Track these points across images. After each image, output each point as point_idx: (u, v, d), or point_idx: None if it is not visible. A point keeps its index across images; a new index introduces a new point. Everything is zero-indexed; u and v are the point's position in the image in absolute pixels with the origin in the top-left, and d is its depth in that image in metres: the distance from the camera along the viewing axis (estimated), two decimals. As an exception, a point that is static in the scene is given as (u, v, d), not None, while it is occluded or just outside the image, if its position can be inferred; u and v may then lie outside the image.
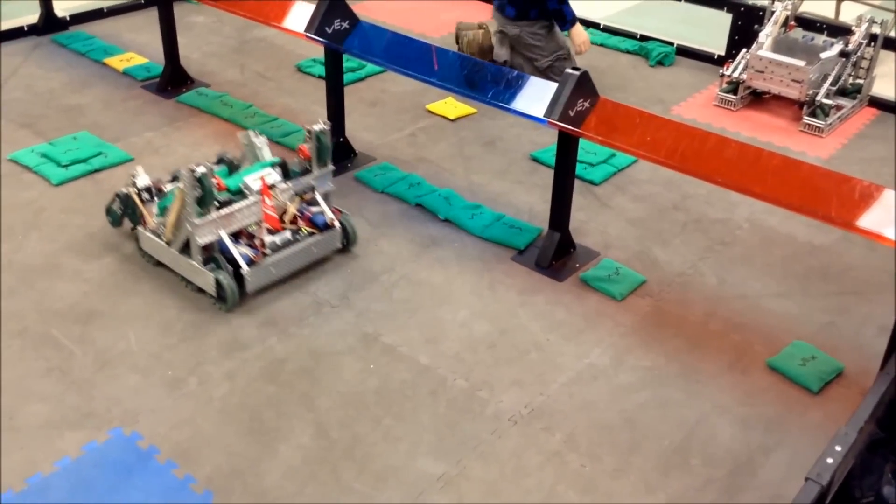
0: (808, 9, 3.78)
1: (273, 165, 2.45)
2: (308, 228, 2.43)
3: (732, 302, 2.41)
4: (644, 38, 4.13)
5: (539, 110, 2.32)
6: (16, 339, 2.16)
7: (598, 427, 1.98)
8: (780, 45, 3.45)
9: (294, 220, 2.43)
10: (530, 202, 2.85)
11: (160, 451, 1.87)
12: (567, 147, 2.37)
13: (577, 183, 2.87)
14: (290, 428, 1.95)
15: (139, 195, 2.42)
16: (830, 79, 3.31)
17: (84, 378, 2.05)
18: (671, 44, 4.05)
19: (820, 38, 3.46)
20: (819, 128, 3.31)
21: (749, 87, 3.49)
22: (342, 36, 2.83)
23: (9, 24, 3.92)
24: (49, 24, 3.93)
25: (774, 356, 2.20)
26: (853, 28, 3.42)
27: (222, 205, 2.28)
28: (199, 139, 3.14)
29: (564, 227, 2.51)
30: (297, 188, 2.44)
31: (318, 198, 2.48)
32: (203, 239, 2.25)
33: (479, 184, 2.96)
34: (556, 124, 2.30)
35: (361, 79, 3.67)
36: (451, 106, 3.45)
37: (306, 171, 2.47)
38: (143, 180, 2.43)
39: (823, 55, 3.31)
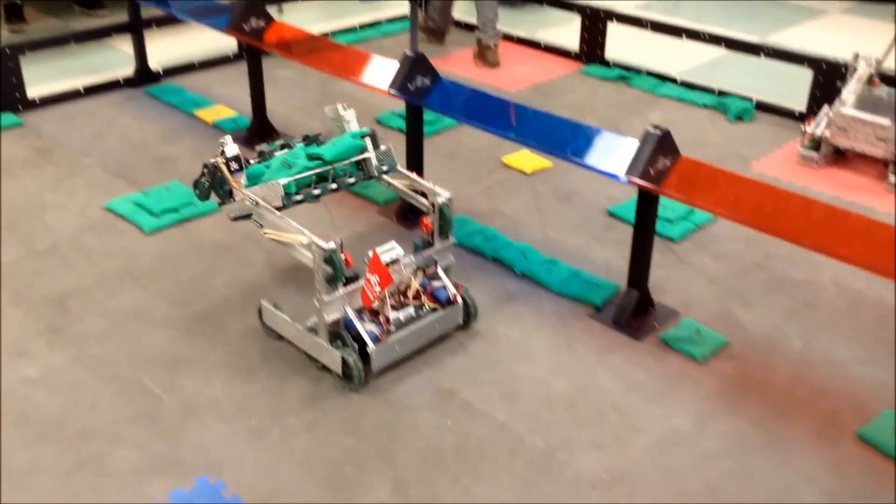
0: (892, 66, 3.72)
1: (363, 136, 2.45)
2: (431, 304, 2.36)
3: (819, 367, 2.35)
4: (722, 93, 4.12)
5: (619, 168, 2.33)
6: (109, 384, 2.24)
7: (682, 495, 1.94)
8: (864, 103, 3.39)
9: (417, 296, 2.36)
10: (607, 258, 2.85)
11: (243, 501, 1.91)
12: (647, 205, 2.37)
13: (655, 239, 2.86)
14: (369, 483, 1.96)
15: (227, 165, 2.37)
16: (920, 137, 3.24)
17: (172, 424, 2.11)
18: (750, 99, 4.03)
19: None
20: (907, 187, 3.23)
21: (832, 145, 3.43)
22: (423, 92, 2.90)
23: (106, 76, 4.14)
24: (143, 76, 4.13)
25: (864, 426, 2.13)
26: (942, 85, 3.34)
27: (349, 280, 2.24)
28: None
29: (643, 284, 2.50)
30: (420, 262, 2.38)
31: (440, 272, 2.42)
32: (330, 316, 2.22)
33: (556, 238, 2.97)
34: (636, 182, 2.30)
35: (438, 131, 3.74)
36: (527, 159, 3.48)
37: (428, 245, 2.42)
38: (232, 149, 2.38)
39: (911, 113, 3.25)
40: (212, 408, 2.17)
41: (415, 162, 3.04)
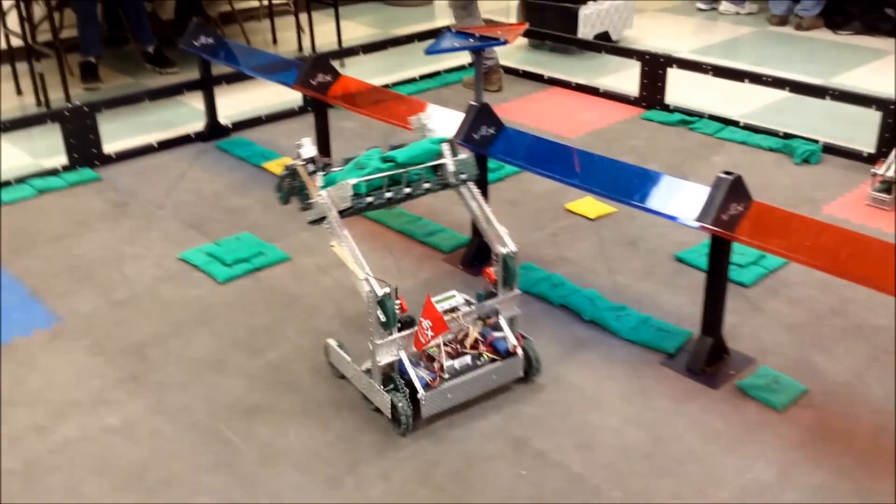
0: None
1: (441, 142, 2.38)
2: (489, 354, 2.34)
3: (904, 416, 2.28)
4: (787, 136, 4.08)
5: (691, 214, 2.32)
6: (187, 432, 2.29)
7: (765, 548, 1.89)
8: (938, 143, 3.32)
9: (475, 345, 2.34)
10: (677, 304, 2.82)
11: (321, 550, 1.92)
12: (720, 251, 2.35)
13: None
14: (445, 533, 1.95)
15: (304, 166, 2.34)
16: None
17: (249, 473, 2.14)
18: (816, 141, 3.98)
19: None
20: None
21: (905, 186, 3.37)
22: (488, 141, 2.94)
23: (178, 131, 4.28)
24: (214, 131, 4.26)
25: (956, 478, 2.05)
26: None
27: (404, 325, 2.25)
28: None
29: (717, 331, 2.46)
30: (481, 312, 2.36)
31: (502, 322, 2.39)
32: (382, 359, 2.24)
33: (624, 284, 2.95)
34: (709, 229, 2.28)
35: (501, 178, 3.77)
36: (590, 205, 3.48)
37: (491, 295, 2.41)
38: (308, 151, 2.35)
39: None
40: (287, 456, 2.19)
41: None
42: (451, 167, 2.38)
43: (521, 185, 3.72)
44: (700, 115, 4.39)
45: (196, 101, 4.45)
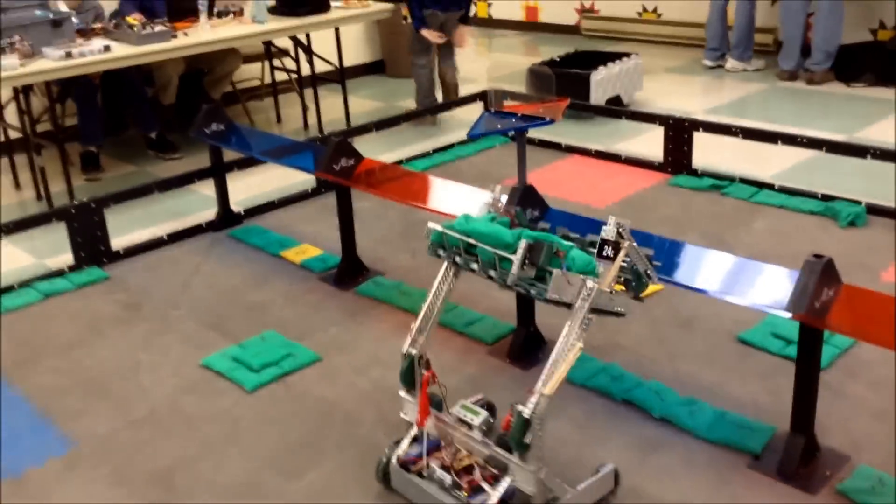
0: None
1: (521, 237, 2.00)
2: (464, 494, 2.01)
3: None
4: (827, 198, 3.90)
5: (781, 303, 2.11)
6: (228, 577, 2.02)
7: None
8: None
9: (461, 473, 2.05)
10: (751, 393, 2.58)
11: None
12: (812, 341, 2.13)
13: (784, 364, 2.63)
14: None
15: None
16: None
17: None
18: (858, 202, 3.80)
19: None
20: None
21: (968, 248, 3.18)
22: (534, 223, 2.74)
23: (188, 221, 4.08)
24: (226, 219, 4.06)
25: None
26: None
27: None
28: (383, 333, 3.06)
29: (810, 428, 2.22)
30: (490, 457, 2.02)
31: (501, 487, 1.98)
32: (406, 414, 2.23)
33: (688, 373, 2.72)
34: (805, 320, 2.07)
35: (535, 258, 3.57)
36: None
37: (506, 447, 1.99)
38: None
39: None
40: None
41: (522, 300, 2.85)
42: (516, 269, 1.97)
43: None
44: (731, 179, 4.22)
45: (204, 188, 4.25)
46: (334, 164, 3.27)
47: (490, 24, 9.23)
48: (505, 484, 1.98)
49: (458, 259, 2.13)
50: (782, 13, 6.20)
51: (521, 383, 2.64)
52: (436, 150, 4.98)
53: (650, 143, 4.60)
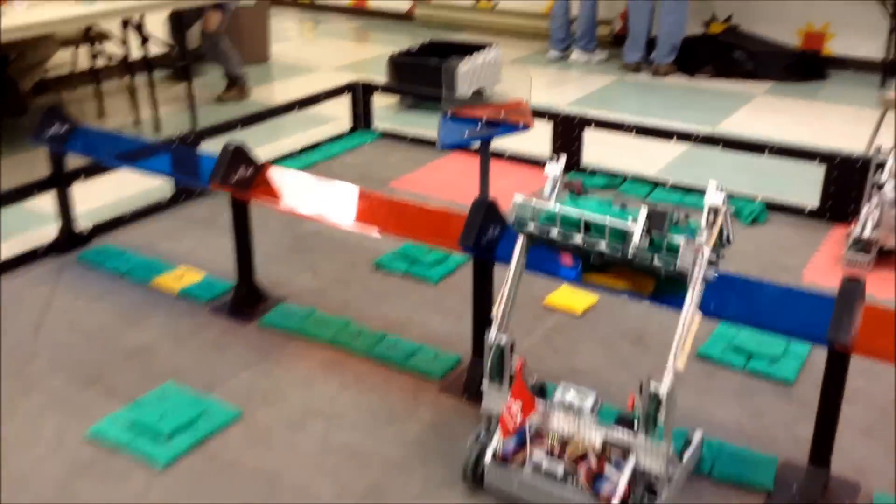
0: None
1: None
2: (585, 483, 1.94)
3: None
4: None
5: (813, 330, 1.93)
6: None
7: None
8: (909, 199, 3.22)
9: (577, 460, 1.96)
10: (735, 419, 2.41)
11: None
12: (841, 370, 1.97)
13: (766, 385, 2.51)
14: None
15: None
16: (982, 231, 3.09)
17: None
18: (754, 199, 3.80)
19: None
20: (975, 286, 3.05)
21: (880, 246, 3.23)
22: (495, 244, 2.40)
23: (20, 244, 3.32)
24: (70, 239, 3.35)
25: None
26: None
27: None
28: (310, 375, 2.60)
29: (827, 460, 2.08)
30: (608, 436, 1.95)
31: (628, 468, 1.91)
32: (488, 404, 2.13)
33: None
34: (842, 347, 1.90)
35: (451, 272, 3.23)
36: (572, 297, 3.02)
37: (629, 425, 1.95)
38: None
39: (968, 207, 3.10)
40: None
41: (480, 322, 2.51)
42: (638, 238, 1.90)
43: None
44: (623, 177, 4.11)
45: (34, 203, 3.47)
46: (231, 173, 2.74)
47: (314, 8, 8.70)
48: (630, 466, 1.91)
49: (553, 234, 2.01)
50: (629, 6, 6.24)
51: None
52: (304, 149, 4.48)
53: (531, 139, 4.39)
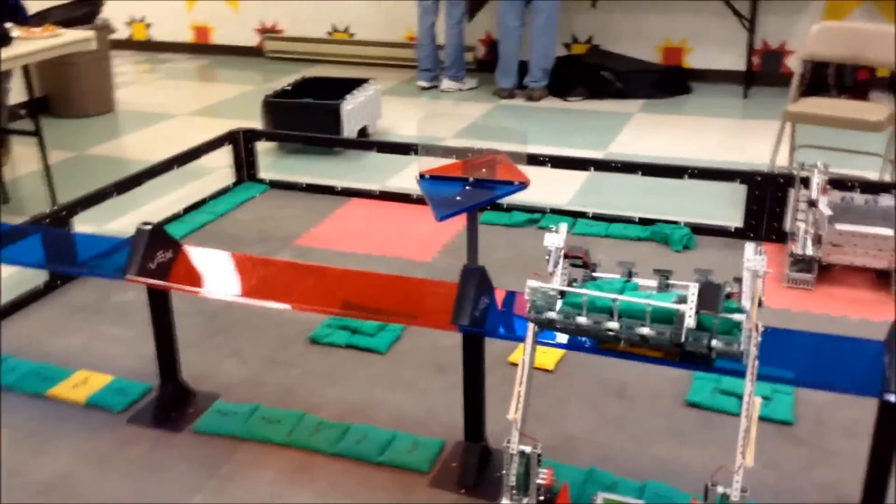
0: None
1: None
2: None
3: None
4: (645, 221, 3.78)
5: (863, 382, 1.79)
6: None
7: None
8: (844, 214, 3.23)
9: None
10: (755, 473, 2.25)
11: None
12: (893, 421, 1.84)
13: (767, 428, 2.39)
14: None
15: None
16: (917, 241, 3.14)
17: None
18: (677, 223, 3.73)
19: (876, 199, 3.30)
20: (917, 294, 3.10)
21: (820, 263, 3.22)
22: (484, 316, 2.13)
23: None
24: (-70, 351, 2.75)
25: None
26: (900, 183, 3.30)
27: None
28: (275, 489, 2.20)
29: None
30: None
31: None
32: None
33: (668, 460, 2.31)
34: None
35: (398, 338, 2.91)
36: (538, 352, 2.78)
37: None
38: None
39: (902, 217, 3.14)
40: None
41: (474, 402, 2.22)
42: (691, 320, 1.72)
43: (432, 341, 2.89)
44: (542, 211, 3.94)
45: None
46: (149, 261, 2.29)
47: (150, 48, 8.06)
48: None
49: (581, 322, 1.79)
50: (498, 32, 6.15)
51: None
52: (188, 210, 3.99)
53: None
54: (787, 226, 3.51)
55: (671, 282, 1.94)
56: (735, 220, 3.70)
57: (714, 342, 1.69)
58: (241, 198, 4.17)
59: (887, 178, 3.94)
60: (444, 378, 2.70)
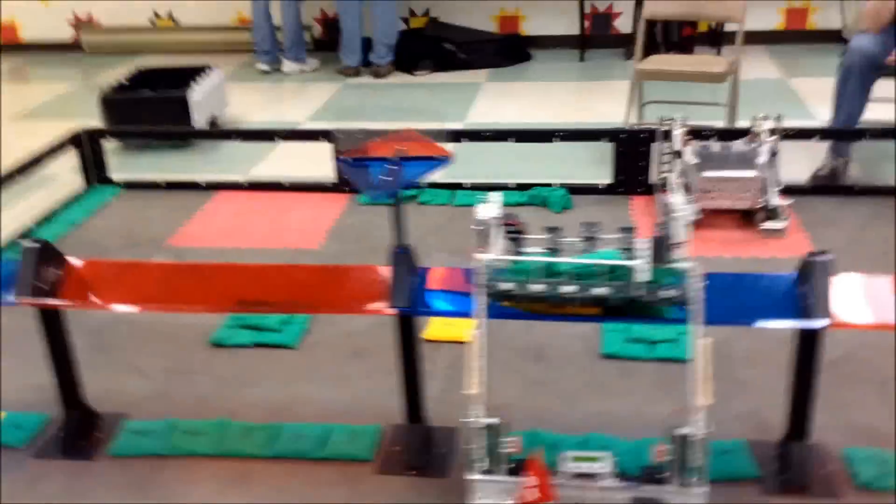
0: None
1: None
2: None
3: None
4: (522, 186, 3.85)
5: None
6: None
7: None
8: (707, 162, 3.43)
9: None
10: (638, 409, 2.37)
11: None
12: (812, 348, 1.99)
13: (675, 367, 2.54)
14: None
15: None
16: (774, 181, 3.38)
17: None
18: (550, 185, 3.83)
19: (730, 145, 3.52)
20: (779, 230, 3.34)
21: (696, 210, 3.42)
22: (415, 297, 2.09)
23: None
24: None
25: None
26: (753, 129, 3.53)
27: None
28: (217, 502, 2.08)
29: (806, 433, 2.10)
30: (637, 493, 1.79)
31: None
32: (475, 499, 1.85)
33: (590, 410, 2.39)
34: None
35: (307, 330, 2.82)
36: (446, 325, 2.77)
37: (653, 475, 1.79)
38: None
39: (759, 160, 3.37)
40: None
41: (412, 384, 2.19)
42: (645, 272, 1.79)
43: (343, 327, 2.81)
44: (416, 187, 3.92)
45: None
46: (41, 280, 2.08)
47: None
48: None
49: (536, 288, 1.82)
50: (339, 9, 6.03)
51: (457, 495, 2.02)
52: (40, 223, 3.65)
53: (290, 163, 4.04)
54: (653, 178, 3.71)
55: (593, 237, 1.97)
56: (603, 177, 3.85)
57: (670, 292, 1.75)
58: (96, 203, 3.87)
59: (735, 125, 4.23)
60: (363, 363, 2.64)
